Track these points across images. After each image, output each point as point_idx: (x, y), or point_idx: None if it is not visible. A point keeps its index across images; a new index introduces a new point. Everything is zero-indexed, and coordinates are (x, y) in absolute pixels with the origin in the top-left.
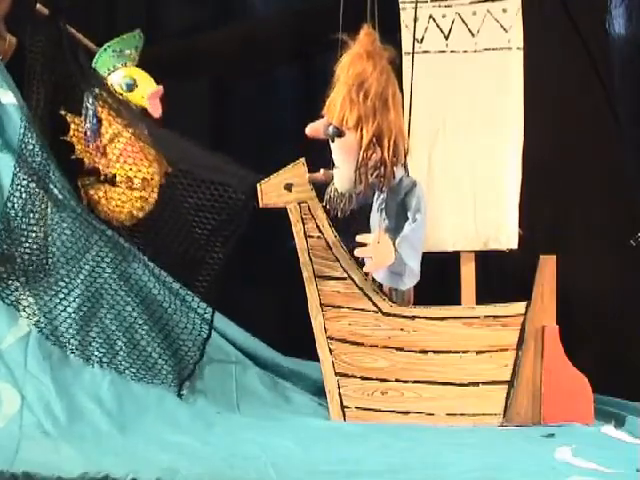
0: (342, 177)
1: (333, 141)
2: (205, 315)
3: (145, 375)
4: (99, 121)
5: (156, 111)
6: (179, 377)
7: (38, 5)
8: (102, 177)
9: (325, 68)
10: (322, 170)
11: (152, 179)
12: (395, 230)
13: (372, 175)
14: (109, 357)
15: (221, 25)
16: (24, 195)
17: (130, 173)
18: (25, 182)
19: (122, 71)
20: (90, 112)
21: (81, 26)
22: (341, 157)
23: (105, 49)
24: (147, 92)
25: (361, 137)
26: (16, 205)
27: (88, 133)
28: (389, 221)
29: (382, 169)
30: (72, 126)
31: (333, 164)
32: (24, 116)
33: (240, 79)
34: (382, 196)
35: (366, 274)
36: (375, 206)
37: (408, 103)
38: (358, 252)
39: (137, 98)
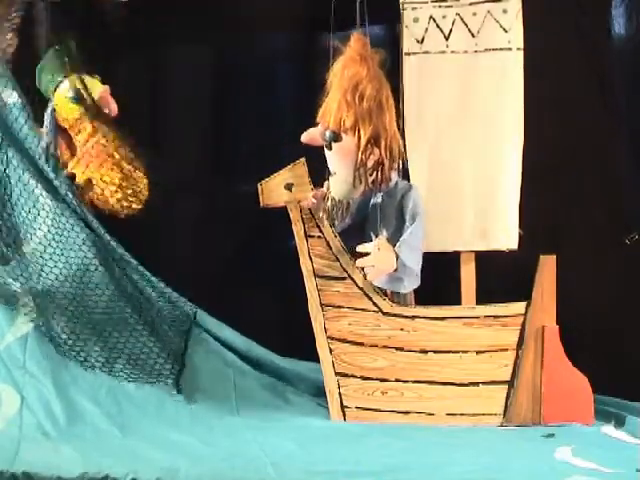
0: (339, 182)
1: (330, 147)
2: (189, 310)
3: (139, 375)
4: (61, 131)
5: (112, 109)
6: (171, 371)
7: None
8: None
9: (326, 68)
10: (313, 191)
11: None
12: (395, 233)
13: (370, 176)
14: (104, 359)
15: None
16: (24, 189)
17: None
18: (26, 175)
19: (66, 82)
20: (50, 122)
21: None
22: (338, 161)
23: (41, 70)
24: (97, 94)
25: (359, 138)
26: (13, 200)
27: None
28: (388, 225)
29: (379, 170)
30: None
31: (329, 173)
32: (24, 111)
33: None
34: (379, 200)
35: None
36: (371, 211)
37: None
38: (360, 262)
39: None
